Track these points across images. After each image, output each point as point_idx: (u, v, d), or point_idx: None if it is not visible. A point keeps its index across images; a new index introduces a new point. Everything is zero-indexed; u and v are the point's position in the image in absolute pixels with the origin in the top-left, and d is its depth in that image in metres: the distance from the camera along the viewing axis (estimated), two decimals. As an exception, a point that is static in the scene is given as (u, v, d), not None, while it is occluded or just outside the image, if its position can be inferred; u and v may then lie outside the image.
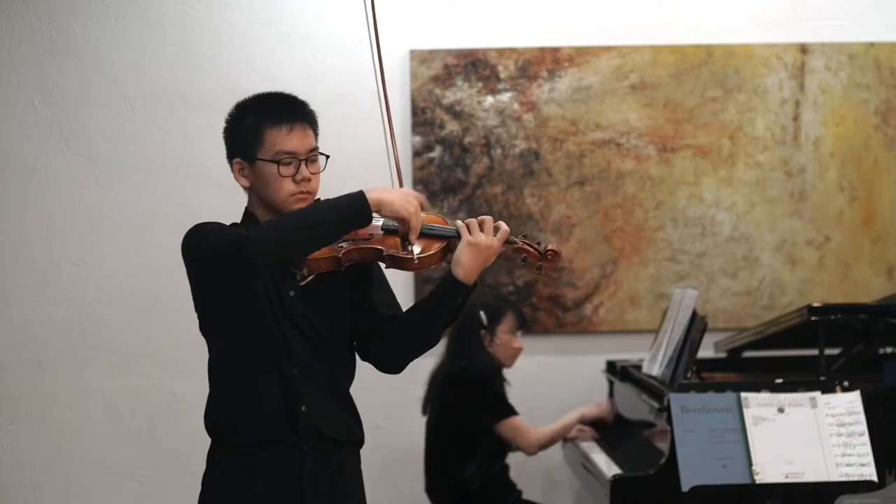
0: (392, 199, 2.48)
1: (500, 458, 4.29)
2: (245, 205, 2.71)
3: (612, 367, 4.66)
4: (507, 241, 2.63)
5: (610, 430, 4.46)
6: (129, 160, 4.89)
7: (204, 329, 2.68)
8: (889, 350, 4.20)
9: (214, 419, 2.64)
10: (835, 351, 4.22)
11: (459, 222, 2.59)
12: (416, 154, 4.90)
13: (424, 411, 4.36)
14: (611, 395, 4.65)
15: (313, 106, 2.71)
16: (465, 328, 4.26)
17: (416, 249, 2.55)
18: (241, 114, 2.64)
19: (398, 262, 2.59)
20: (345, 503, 2.66)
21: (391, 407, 4.76)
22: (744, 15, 5.00)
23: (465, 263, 2.56)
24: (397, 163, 2.80)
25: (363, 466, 2.75)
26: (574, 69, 4.94)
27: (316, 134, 2.65)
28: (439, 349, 4.36)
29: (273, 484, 2.56)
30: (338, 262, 2.56)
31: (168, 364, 4.84)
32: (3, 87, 4.87)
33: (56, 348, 4.86)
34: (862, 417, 3.35)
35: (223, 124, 2.68)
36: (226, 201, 4.86)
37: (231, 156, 2.65)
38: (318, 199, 2.64)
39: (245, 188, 2.66)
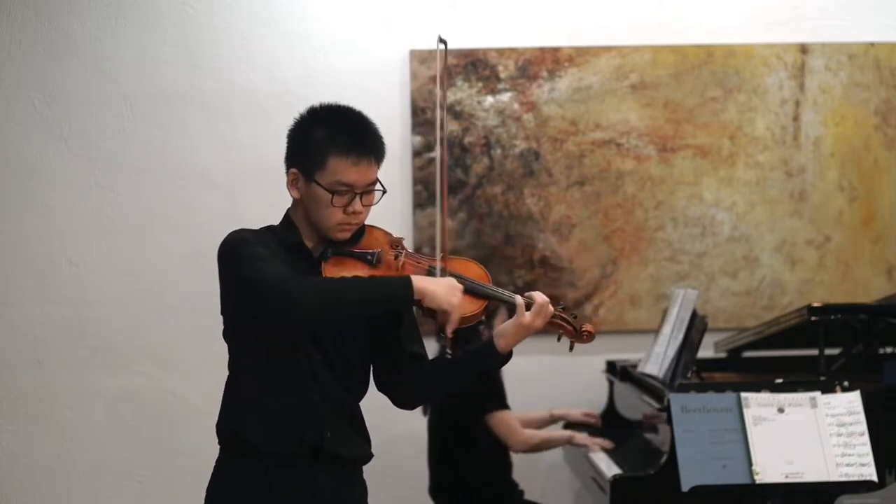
0: (436, 291, 2.45)
1: (501, 453, 4.28)
2: (286, 208, 2.65)
3: (612, 367, 4.66)
4: None
5: (610, 430, 4.46)
6: (129, 160, 4.89)
7: (228, 336, 2.63)
8: (889, 350, 4.19)
9: (232, 429, 2.59)
10: (835, 351, 4.22)
11: (519, 298, 2.56)
12: (416, 154, 4.90)
13: (425, 412, 4.35)
14: (611, 395, 4.65)
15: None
16: (464, 329, 4.25)
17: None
18: (313, 123, 2.56)
19: (438, 315, 2.53)
20: None
21: (391, 406, 4.74)
22: (744, 15, 5.01)
23: (511, 340, 2.58)
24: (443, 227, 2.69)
25: (364, 468, 2.75)
26: (574, 69, 4.94)
27: (380, 164, 2.58)
28: (433, 347, 4.36)
29: (288, 497, 2.55)
30: None
31: (168, 364, 4.84)
32: (3, 87, 4.87)
33: (56, 348, 4.86)
34: (862, 417, 3.34)
35: (291, 122, 2.59)
36: (225, 201, 4.92)
37: (289, 163, 2.58)
38: (365, 225, 2.60)
39: (294, 198, 2.59)
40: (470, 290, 2.54)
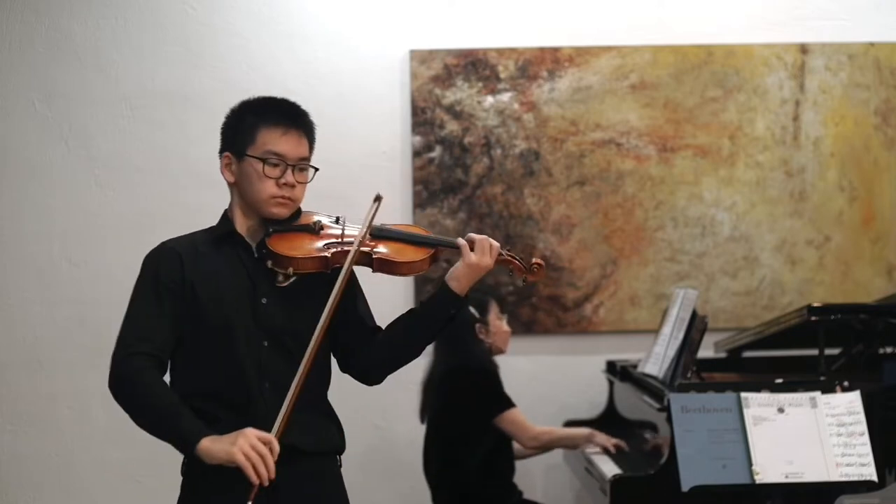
0: (220, 449, 2.44)
1: (501, 456, 4.26)
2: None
3: (612, 367, 4.66)
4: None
5: (610, 430, 4.45)
6: (129, 160, 4.89)
7: None
8: (889, 350, 4.19)
9: None
10: (835, 351, 4.22)
11: (461, 240, 2.65)
12: (416, 154, 4.90)
13: (423, 419, 4.29)
14: (611, 395, 4.65)
15: (313, 105, 2.72)
16: (457, 327, 4.23)
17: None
18: (242, 111, 2.64)
19: (387, 266, 2.62)
20: None
21: (390, 407, 4.76)
22: (744, 15, 5.01)
23: (463, 280, 2.63)
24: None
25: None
26: (574, 69, 4.94)
27: (311, 146, 2.64)
28: (427, 354, 4.35)
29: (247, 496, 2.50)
30: (325, 263, 2.56)
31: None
32: (3, 87, 4.87)
33: (56, 348, 4.86)
34: (862, 417, 3.35)
35: (223, 120, 2.68)
36: (226, 201, 4.89)
37: (222, 150, 2.64)
38: (301, 209, 2.65)
39: (229, 184, 2.64)
40: (412, 240, 2.66)
